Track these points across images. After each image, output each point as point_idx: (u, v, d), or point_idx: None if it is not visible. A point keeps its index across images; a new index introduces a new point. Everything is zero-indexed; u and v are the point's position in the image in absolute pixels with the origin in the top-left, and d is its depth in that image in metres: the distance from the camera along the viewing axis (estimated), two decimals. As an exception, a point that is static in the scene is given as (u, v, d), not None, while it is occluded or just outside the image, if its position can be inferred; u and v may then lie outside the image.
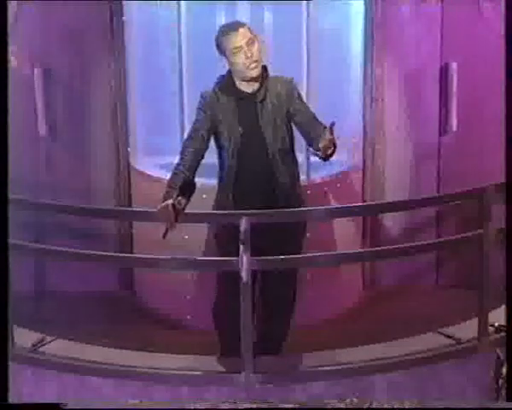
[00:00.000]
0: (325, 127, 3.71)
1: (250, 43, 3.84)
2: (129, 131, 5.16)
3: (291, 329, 4.26)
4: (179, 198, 3.72)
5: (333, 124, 3.61)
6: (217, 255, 4.11)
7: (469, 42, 5.13)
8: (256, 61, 3.86)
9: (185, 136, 4.12)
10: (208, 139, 3.96)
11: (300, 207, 4.03)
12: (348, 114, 5.08)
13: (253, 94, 3.94)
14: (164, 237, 3.71)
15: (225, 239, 4.03)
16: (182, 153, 3.92)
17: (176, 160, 3.96)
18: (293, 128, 4.03)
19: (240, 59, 3.85)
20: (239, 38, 3.84)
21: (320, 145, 3.66)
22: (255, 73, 3.88)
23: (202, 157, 3.94)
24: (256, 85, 3.94)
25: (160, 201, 3.73)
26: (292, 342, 4.27)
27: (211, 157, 4.08)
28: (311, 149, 3.96)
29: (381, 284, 5.38)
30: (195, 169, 3.91)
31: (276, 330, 4.25)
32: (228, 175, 3.99)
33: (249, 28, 3.91)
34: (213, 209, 4.13)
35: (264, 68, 3.98)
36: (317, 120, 3.96)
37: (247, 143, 3.94)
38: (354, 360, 4.05)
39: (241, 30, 3.86)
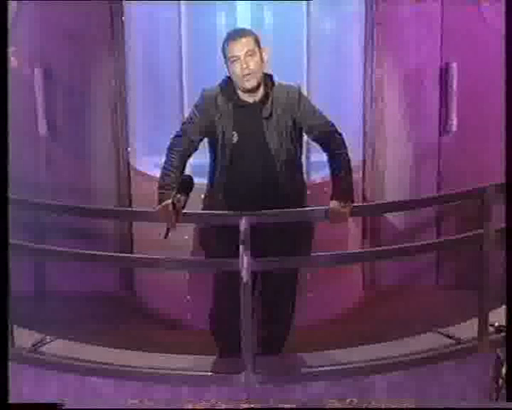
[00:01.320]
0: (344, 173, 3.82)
1: (248, 55, 3.82)
2: (129, 131, 5.16)
3: (291, 329, 4.26)
4: (178, 196, 3.72)
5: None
6: (210, 257, 4.12)
7: (469, 42, 5.13)
8: (250, 74, 3.83)
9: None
10: (198, 141, 3.95)
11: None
12: (348, 114, 5.07)
13: (255, 104, 3.91)
14: (165, 237, 3.71)
15: (217, 241, 4.04)
16: (168, 153, 3.90)
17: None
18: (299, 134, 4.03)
19: (236, 69, 3.84)
20: (238, 48, 3.83)
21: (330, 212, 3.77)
22: (249, 84, 3.86)
23: (189, 157, 3.95)
24: (258, 96, 3.92)
25: (158, 202, 3.74)
26: (292, 342, 4.27)
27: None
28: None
29: (381, 284, 5.38)
30: (183, 169, 3.90)
31: (276, 332, 4.25)
32: (219, 178, 3.97)
33: (255, 38, 3.87)
34: (202, 209, 4.12)
35: (270, 77, 3.96)
36: (332, 131, 3.92)
37: (243, 150, 3.92)
38: (354, 360, 4.05)
39: (242, 40, 3.84)
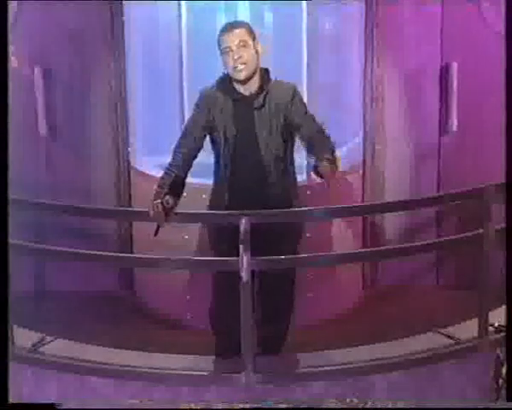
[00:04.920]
0: (328, 149, 3.66)
1: (241, 45, 3.81)
2: (129, 131, 5.16)
3: (291, 329, 4.26)
4: (167, 197, 3.73)
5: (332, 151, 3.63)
6: (211, 256, 4.11)
7: (469, 42, 5.14)
8: (244, 64, 3.82)
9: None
10: (202, 139, 3.95)
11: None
12: (348, 114, 5.07)
13: (251, 97, 3.91)
14: (155, 235, 3.73)
15: (219, 239, 4.04)
16: (174, 153, 3.92)
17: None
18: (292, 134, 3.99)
19: (228, 59, 3.84)
20: (230, 39, 3.82)
21: (321, 170, 3.61)
22: (241, 75, 3.85)
23: (195, 157, 3.94)
24: (253, 88, 3.91)
25: (151, 201, 3.75)
26: (292, 342, 4.27)
27: (211, 157, 4.08)
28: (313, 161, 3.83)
29: (381, 284, 5.38)
30: (188, 169, 3.91)
31: (275, 332, 4.24)
32: (223, 174, 3.97)
33: (248, 30, 3.87)
34: (208, 209, 4.13)
35: (266, 71, 3.96)
36: (322, 132, 3.83)
37: (242, 146, 3.92)
38: (354, 360, 4.05)
39: (235, 31, 3.83)
